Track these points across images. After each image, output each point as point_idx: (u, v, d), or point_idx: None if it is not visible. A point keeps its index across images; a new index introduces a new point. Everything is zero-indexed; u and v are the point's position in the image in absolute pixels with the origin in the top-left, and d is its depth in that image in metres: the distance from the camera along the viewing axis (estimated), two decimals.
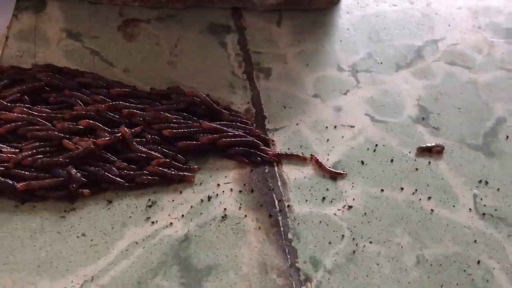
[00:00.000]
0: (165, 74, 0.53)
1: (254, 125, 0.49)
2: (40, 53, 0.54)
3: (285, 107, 0.51)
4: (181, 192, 0.44)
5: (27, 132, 0.45)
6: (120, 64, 0.54)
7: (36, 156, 0.44)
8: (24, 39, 0.55)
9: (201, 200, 0.43)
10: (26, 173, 0.43)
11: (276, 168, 0.46)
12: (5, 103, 0.47)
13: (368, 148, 0.48)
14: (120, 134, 0.45)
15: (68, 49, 0.55)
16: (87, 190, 0.43)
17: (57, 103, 0.48)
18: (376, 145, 0.48)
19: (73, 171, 0.43)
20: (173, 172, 0.45)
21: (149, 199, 0.43)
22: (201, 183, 0.44)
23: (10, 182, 0.42)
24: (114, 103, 0.47)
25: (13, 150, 0.44)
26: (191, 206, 0.43)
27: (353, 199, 0.44)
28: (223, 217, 0.42)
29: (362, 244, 0.41)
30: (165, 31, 0.58)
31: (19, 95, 0.48)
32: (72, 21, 0.58)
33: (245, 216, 0.42)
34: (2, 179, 0.42)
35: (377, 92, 0.53)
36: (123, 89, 0.50)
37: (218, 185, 0.44)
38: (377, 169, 0.46)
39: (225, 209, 0.43)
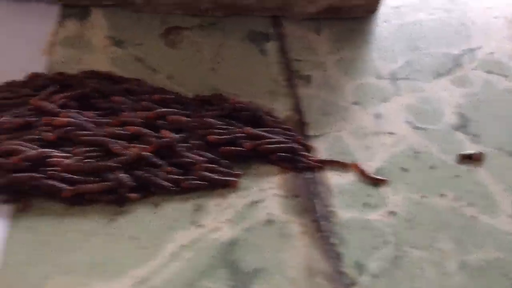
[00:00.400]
0: (207, 81, 0.54)
1: (296, 131, 0.49)
2: (85, 60, 0.56)
3: (325, 114, 0.52)
4: (226, 197, 0.45)
5: (76, 137, 0.46)
6: (163, 71, 0.55)
7: (85, 161, 0.45)
8: (69, 46, 0.57)
9: (246, 204, 0.44)
10: (76, 177, 0.44)
11: (318, 174, 0.47)
12: (54, 108, 0.48)
13: (409, 155, 0.49)
14: (166, 139, 0.46)
15: (112, 56, 0.56)
16: (136, 194, 0.44)
17: (104, 108, 0.50)
18: (417, 152, 0.49)
19: (122, 175, 0.44)
20: (217, 177, 0.46)
21: (195, 203, 0.44)
22: (245, 188, 0.45)
23: (60, 185, 0.43)
24: (160, 110, 0.48)
25: (63, 154, 0.45)
26: (236, 211, 0.44)
27: (395, 205, 0.45)
28: (268, 221, 0.43)
29: (405, 249, 0.42)
30: (206, 38, 0.59)
31: (67, 100, 0.49)
32: (116, 28, 0.59)
33: (290, 220, 0.43)
34: (52, 183, 0.43)
35: (417, 99, 0.54)
36: (167, 96, 0.51)
37: (262, 190, 0.45)
38: (418, 175, 0.47)
39: (269, 213, 0.44)
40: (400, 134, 0.50)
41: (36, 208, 0.43)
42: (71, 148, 0.46)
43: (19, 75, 0.52)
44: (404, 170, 0.47)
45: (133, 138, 0.48)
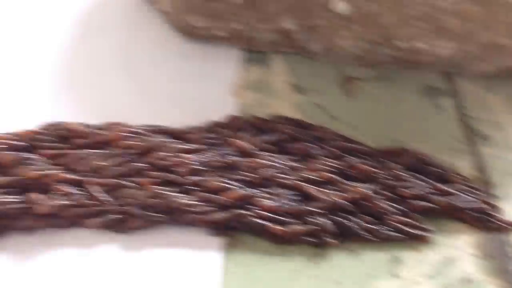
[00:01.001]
0: (387, 133, 0.57)
1: (482, 190, 0.51)
2: (270, 104, 0.59)
3: (509, 175, 0.53)
4: (420, 251, 0.47)
5: (276, 179, 0.49)
6: (344, 120, 0.58)
7: (287, 203, 0.48)
8: (255, 89, 0.61)
9: (441, 261, 0.46)
10: (281, 218, 0.47)
11: (509, 236, 0.48)
12: (255, 151, 0.51)
13: None
14: (362, 190, 0.48)
15: (295, 102, 0.59)
16: (335, 241, 0.47)
17: (296, 154, 0.53)
18: None
19: (324, 220, 0.47)
20: (411, 230, 0.48)
21: (391, 254, 0.46)
22: (438, 244, 0.47)
23: (269, 224, 0.46)
24: (351, 159, 0.51)
25: (266, 195, 0.48)
26: (432, 266, 0.45)
27: None
28: (464, 279, 0.45)
29: None
30: (382, 90, 0.61)
31: (266, 144, 0.52)
32: (296, 75, 0.63)
33: (486, 281, 0.45)
34: (261, 222, 0.47)
35: None
36: (355, 145, 0.53)
37: (455, 247, 0.47)
38: None
39: (465, 271, 0.45)
40: None
41: (244, 244, 0.46)
42: (270, 190, 0.49)
43: (211, 116, 0.56)
44: None
45: (325, 184, 0.50)
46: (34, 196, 0.46)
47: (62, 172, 0.48)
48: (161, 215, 0.46)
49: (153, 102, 0.58)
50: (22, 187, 0.47)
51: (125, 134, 0.51)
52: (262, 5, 0.59)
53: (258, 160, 0.50)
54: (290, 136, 0.54)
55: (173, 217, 0.47)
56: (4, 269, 0.44)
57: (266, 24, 0.61)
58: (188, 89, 0.60)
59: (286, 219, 0.47)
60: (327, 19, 0.59)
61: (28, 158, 0.48)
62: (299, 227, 0.47)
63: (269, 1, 0.59)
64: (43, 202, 0.45)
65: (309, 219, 0.47)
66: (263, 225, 0.46)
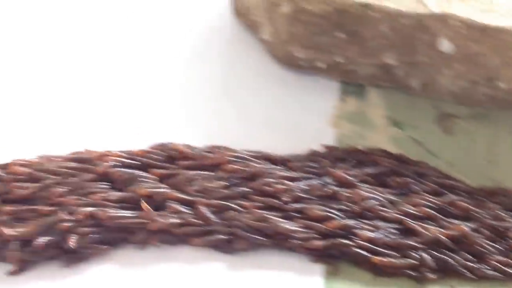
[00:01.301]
0: (483, 171, 0.57)
1: None
2: (367, 137, 0.60)
3: None
4: None
5: (376, 211, 0.51)
6: (440, 156, 0.58)
7: (387, 235, 0.49)
8: (351, 121, 0.62)
9: None
10: (381, 250, 0.48)
11: None
12: (355, 182, 0.53)
13: None
14: (461, 230, 0.49)
15: (392, 136, 0.60)
16: (434, 275, 0.47)
17: (395, 187, 0.54)
18: None
19: (425, 256, 0.47)
20: (509, 270, 0.48)
21: None
22: None
23: (368, 255, 0.47)
24: (451, 197, 0.52)
25: (366, 226, 0.50)
26: None
27: None
28: None
29: None
30: (479, 128, 0.61)
31: (366, 176, 0.53)
32: (393, 109, 0.63)
33: None
34: (361, 252, 0.48)
35: None
36: (455, 183, 0.54)
37: None
38: None
39: None
40: None
41: (345, 273, 0.47)
42: (370, 221, 0.50)
43: (308, 144, 0.57)
44: None
45: (425, 219, 0.51)
46: (147, 212, 0.48)
47: (172, 191, 0.50)
48: (265, 238, 0.48)
49: (252, 128, 0.60)
50: (135, 203, 0.49)
51: (230, 158, 0.53)
52: (366, 41, 0.60)
53: (359, 191, 0.52)
54: (390, 170, 0.54)
55: (276, 241, 0.48)
56: (116, 279, 0.46)
57: (367, 59, 0.63)
58: (286, 117, 0.62)
59: (386, 251, 0.48)
60: (429, 57, 0.60)
61: (141, 176, 0.51)
62: (399, 260, 0.47)
63: (373, 37, 0.60)
64: (157, 219, 0.47)
65: (410, 253, 0.48)
66: (363, 255, 0.47)
